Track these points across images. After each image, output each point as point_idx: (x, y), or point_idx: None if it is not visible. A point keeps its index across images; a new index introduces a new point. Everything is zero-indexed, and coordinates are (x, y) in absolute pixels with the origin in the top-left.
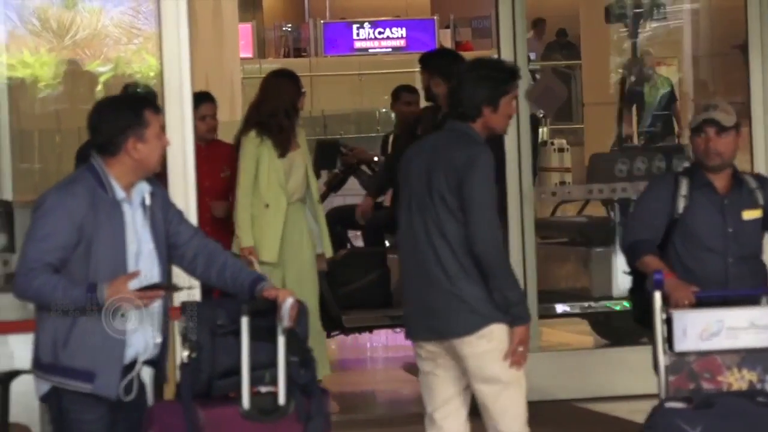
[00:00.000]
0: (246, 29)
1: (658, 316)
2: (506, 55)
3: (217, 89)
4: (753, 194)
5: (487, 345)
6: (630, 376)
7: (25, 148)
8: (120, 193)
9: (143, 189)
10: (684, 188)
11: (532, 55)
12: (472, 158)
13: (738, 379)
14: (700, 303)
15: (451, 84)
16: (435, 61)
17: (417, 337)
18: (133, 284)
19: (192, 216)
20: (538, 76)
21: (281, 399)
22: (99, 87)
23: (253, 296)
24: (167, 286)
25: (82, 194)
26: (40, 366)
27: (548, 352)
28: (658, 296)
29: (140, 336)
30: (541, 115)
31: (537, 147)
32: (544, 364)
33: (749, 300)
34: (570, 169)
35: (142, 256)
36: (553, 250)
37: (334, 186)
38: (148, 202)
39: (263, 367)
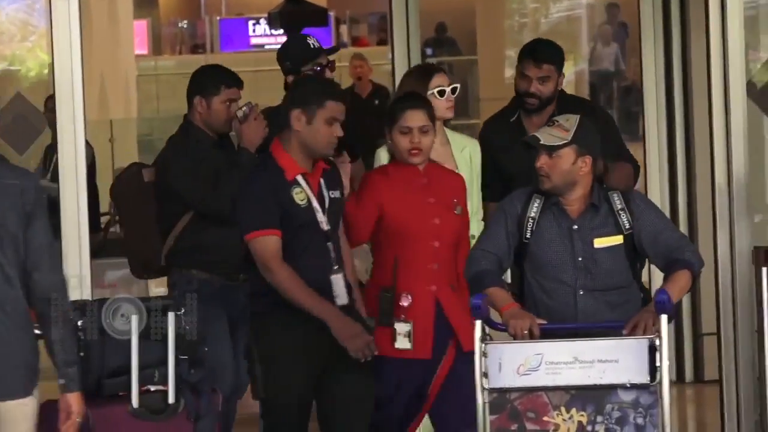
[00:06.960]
0: (141, 26)
1: (478, 348)
2: (400, 52)
3: (112, 87)
4: (613, 218)
5: None
6: None
7: None
8: None
9: None
10: (535, 209)
11: (429, 51)
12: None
13: (566, 420)
14: (552, 336)
15: None
16: None
17: None
18: None
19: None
20: None
21: (171, 398)
22: None
23: None
24: None
25: None
26: None
27: None
28: (478, 325)
29: None
30: None
31: None
32: None
33: (601, 334)
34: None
35: None
36: None
37: None
38: None
39: (153, 366)
